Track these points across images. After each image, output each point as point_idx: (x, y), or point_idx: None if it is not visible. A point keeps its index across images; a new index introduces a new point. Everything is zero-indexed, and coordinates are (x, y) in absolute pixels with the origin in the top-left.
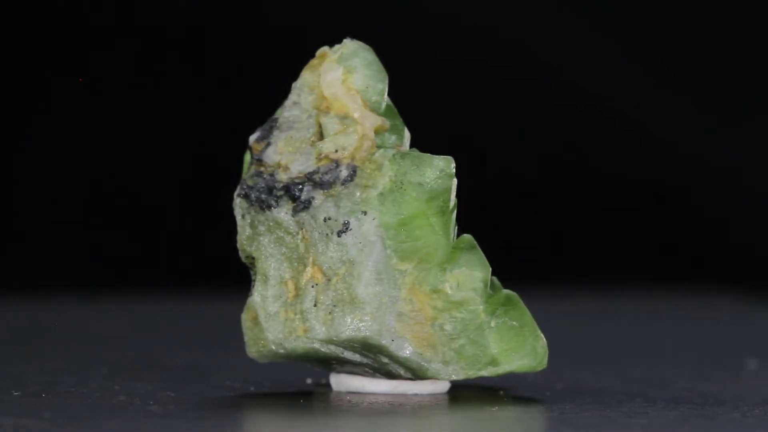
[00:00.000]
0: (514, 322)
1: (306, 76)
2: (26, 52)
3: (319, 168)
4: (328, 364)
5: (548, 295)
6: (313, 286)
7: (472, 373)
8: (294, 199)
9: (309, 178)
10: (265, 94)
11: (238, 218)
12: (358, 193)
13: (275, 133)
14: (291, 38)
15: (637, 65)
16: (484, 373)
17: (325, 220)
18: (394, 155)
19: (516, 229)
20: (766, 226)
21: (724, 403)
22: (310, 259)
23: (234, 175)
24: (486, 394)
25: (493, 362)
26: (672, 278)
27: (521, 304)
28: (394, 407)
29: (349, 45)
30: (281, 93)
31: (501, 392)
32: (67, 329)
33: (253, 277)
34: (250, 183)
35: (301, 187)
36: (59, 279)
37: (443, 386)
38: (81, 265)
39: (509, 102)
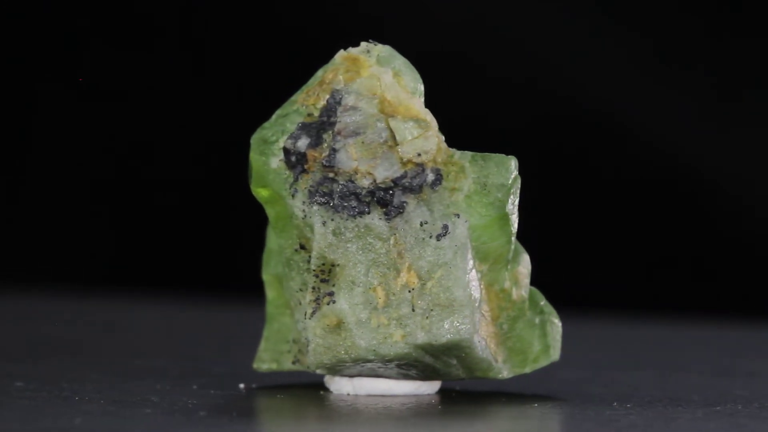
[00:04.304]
0: (549, 319)
1: (362, 80)
2: (26, 50)
3: (406, 173)
4: (356, 367)
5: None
6: (409, 291)
7: (518, 370)
8: (384, 204)
9: (396, 183)
10: (265, 94)
11: (317, 226)
12: (448, 196)
13: (338, 138)
14: (290, 38)
15: (638, 65)
16: (527, 370)
17: (421, 224)
18: (473, 156)
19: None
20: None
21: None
22: (406, 264)
23: (231, 175)
24: (482, 392)
25: (535, 359)
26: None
27: (545, 300)
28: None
29: (380, 48)
30: (278, 92)
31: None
32: (66, 330)
33: (315, 285)
34: (324, 189)
35: (391, 192)
36: (58, 278)
37: (437, 385)
38: (81, 266)
39: (509, 103)
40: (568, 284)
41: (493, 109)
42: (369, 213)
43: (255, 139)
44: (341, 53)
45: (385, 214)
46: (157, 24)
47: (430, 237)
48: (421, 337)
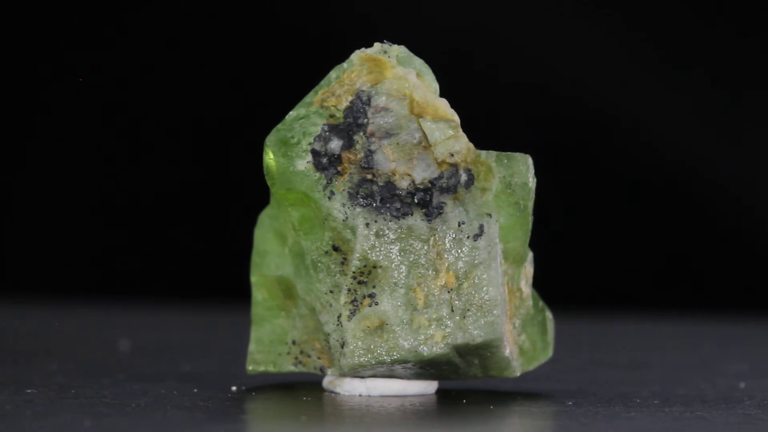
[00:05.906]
0: (546, 316)
1: (391, 81)
2: (26, 50)
3: (442, 173)
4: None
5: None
6: (449, 292)
7: (525, 368)
8: (424, 205)
9: (434, 184)
10: (264, 94)
11: (360, 228)
12: (480, 196)
13: (372, 140)
14: (289, 38)
15: (639, 65)
16: (530, 367)
17: (459, 224)
18: (498, 156)
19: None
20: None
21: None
22: (444, 264)
23: (230, 175)
24: (478, 391)
25: (537, 357)
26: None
27: (540, 297)
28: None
29: (396, 48)
30: (278, 92)
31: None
32: (63, 333)
33: (350, 287)
34: (364, 191)
35: (431, 193)
36: (57, 281)
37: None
38: (79, 271)
39: (510, 103)
40: (568, 284)
41: (494, 109)
42: (412, 214)
43: (272, 141)
44: (358, 54)
45: (426, 215)
46: (156, 24)
47: (467, 237)
48: (460, 338)
